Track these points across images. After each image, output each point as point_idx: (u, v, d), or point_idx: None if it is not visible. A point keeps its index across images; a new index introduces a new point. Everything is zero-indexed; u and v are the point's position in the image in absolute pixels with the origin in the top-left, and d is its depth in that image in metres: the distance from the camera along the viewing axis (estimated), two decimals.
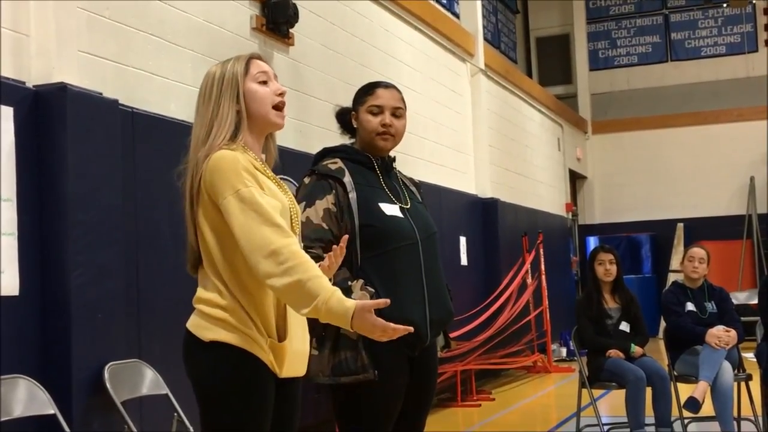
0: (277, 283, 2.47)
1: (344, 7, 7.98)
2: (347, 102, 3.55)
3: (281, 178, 2.84)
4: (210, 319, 2.58)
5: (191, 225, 2.65)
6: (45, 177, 4.47)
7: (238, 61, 2.71)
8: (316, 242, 3.13)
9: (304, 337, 2.74)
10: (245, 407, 2.56)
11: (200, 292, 2.63)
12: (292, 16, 6.69)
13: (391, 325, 2.51)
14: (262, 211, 2.51)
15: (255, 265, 2.49)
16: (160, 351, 5.11)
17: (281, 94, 2.73)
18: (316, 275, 2.48)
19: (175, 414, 4.84)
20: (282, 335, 2.63)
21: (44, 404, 4.20)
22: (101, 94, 4.77)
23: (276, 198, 2.63)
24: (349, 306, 2.47)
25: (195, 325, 2.62)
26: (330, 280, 2.66)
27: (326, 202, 3.24)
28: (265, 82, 2.72)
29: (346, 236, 2.80)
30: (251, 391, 2.57)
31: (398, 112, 3.42)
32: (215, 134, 2.63)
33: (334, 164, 3.34)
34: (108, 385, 4.49)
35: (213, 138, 2.62)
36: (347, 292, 3.12)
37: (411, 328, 2.57)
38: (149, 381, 4.83)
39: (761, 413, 6.16)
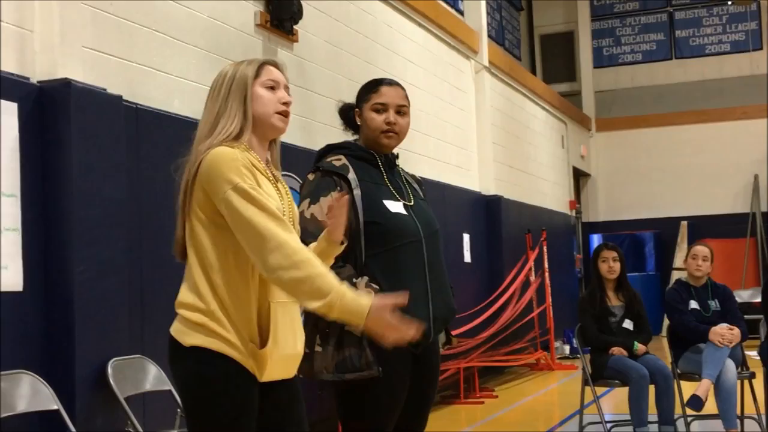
0: (285, 275, 2.45)
1: (348, 4, 7.97)
2: (351, 99, 3.54)
3: (282, 174, 2.83)
4: (189, 323, 2.58)
5: (181, 217, 2.64)
6: (49, 173, 4.47)
7: (251, 63, 2.71)
8: None
9: (295, 340, 2.70)
10: (227, 411, 2.55)
11: (181, 295, 2.63)
12: (297, 13, 6.69)
13: (403, 326, 2.45)
14: (263, 206, 2.51)
15: (262, 258, 2.47)
16: (164, 347, 5.10)
17: (285, 104, 2.73)
18: (326, 272, 2.48)
19: (178, 410, 4.84)
20: (264, 340, 2.60)
21: (48, 399, 4.21)
22: (105, 90, 4.77)
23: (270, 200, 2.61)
24: (365, 303, 2.44)
25: (176, 330, 2.63)
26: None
27: (331, 198, 3.24)
28: (272, 89, 2.72)
29: (345, 195, 2.82)
30: (232, 395, 2.55)
31: (402, 110, 3.41)
32: (219, 131, 2.63)
33: (338, 161, 3.34)
34: (111, 381, 4.50)
35: (217, 134, 2.62)
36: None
37: (423, 328, 2.53)
38: (152, 377, 4.83)
39: (764, 411, 6.16)
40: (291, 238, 2.50)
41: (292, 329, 2.69)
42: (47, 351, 4.40)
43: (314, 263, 2.47)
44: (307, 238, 2.90)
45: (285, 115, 2.72)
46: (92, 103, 4.63)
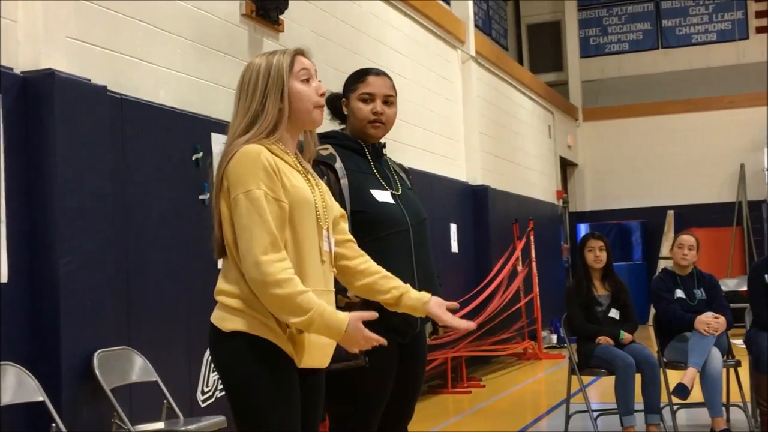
0: (267, 291, 2.52)
1: None
2: (338, 88, 3.53)
3: None
4: (229, 309, 2.61)
5: (216, 213, 2.66)
6: (33, 164, 4.45)
7: (283, 56, 2.73)
8: None
9: None
10: (271, 392, 2.59)
11: (220, 284, 2.66)
12: (282, 3, 6.67)
13: (374, 336, 2.59)
14: (265, 217, 2.55)
15: (245, 267, 2.54)
16: (150, 338, 5.10)
17: (322, 95, 2.76)
18: (306, 290, 2.54)
19: (165, 401, 4.84)
20: None
21: (33, 391, 4.19)
22: (90, 80, 4.74)
23: (299, 193, 2.64)
24: (343, 317, 2.56)
25: (216, 317, 2.65)
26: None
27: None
28: (307, 80, 2.74)
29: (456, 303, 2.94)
30: (275, 376, 2.59)
31: (389, 100, 3.41)
32: (258, 129, 2.66)
33: (325, 150, 3.33)
34: (97, 372, 4.48)
35: (255, 132, 2.65)
36: None
37: (384, 342, 2.62)
38: (139, 368, 4.82)
39: (750, 400, 6.19)
40: (278, 256, 2.54)
41: None
42: (32, 342, 4.38)
43: (295, 282, 2.53)
44: None
45: (323, 105, 2.76)
46: (76, 94, 4.60)
